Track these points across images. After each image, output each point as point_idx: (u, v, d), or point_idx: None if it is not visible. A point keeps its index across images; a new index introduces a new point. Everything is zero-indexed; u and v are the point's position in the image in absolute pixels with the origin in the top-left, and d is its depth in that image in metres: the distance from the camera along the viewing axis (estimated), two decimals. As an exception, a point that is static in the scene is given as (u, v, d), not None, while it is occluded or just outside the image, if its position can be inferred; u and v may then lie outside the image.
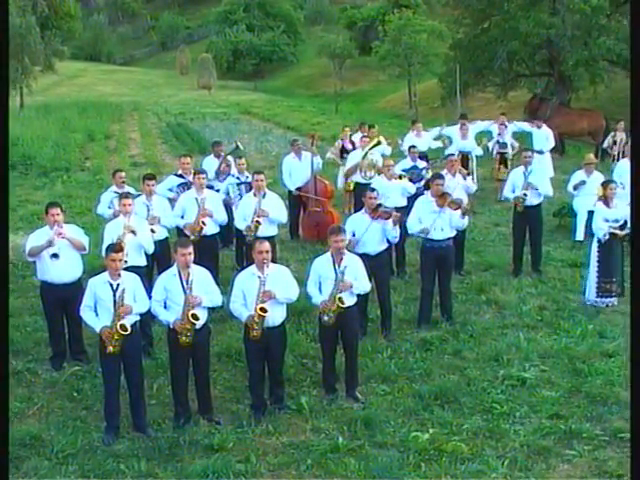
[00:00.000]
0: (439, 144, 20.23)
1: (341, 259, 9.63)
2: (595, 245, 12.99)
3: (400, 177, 14.41)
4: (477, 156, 20.35)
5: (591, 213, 14.89)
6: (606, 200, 12.81)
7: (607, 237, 12.74)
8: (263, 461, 8.52)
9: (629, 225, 12.65)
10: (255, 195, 12.82)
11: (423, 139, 19.92)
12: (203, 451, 8.75)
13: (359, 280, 9.76)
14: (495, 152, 20.60)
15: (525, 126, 22.44)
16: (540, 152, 20.98)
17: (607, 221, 12.74)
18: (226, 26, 72.55)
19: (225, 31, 71.37)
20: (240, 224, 12.91)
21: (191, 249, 9.19)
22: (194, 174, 13.17)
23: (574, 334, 11.66)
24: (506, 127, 21.04)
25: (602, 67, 29.58)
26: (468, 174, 14.73)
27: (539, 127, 21.75)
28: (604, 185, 13.06)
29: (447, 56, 35.41)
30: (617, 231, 12.70)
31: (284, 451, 8.72)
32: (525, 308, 12.71)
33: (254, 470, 8.35)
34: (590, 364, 10.55)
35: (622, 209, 12.69)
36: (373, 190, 11.88)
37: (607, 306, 12.83)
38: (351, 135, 19.51)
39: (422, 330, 11.80)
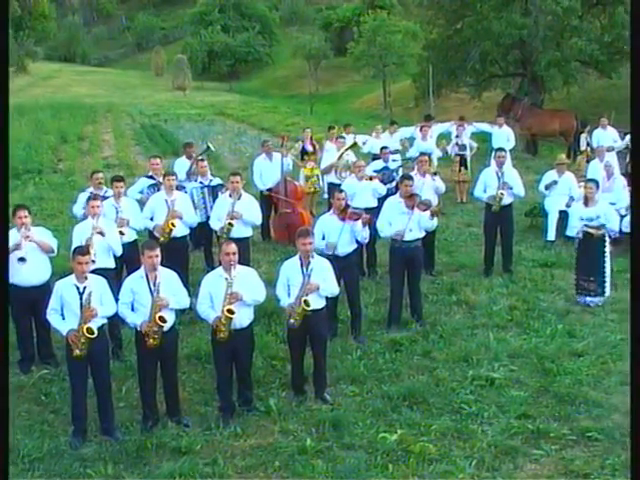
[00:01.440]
0: (398, 146, 20.26)
1: (309, 262, 9.61)
2: (576, 244, 13.13)
3: (370, 178, 14.41)
4: (438, 158, 20.42)
5: (562, 213, 15.02)
6: (585, 199, 12.90)
7: (580, 235, 12.86)
8: (230, 464, 8.49)
9: (608, 225, 12.77)
10: (231, 196, 12.79)
11: (382, 141, 19.93)
12: (170, 454, 8.70)
13: (327, 282, 9.74)
14: (454, 154, 20.65)
15: (485, 127, 22.58)
16: (501, 151, 21.07)
17: (582, 220, 12.82)
18: (201, 27, 72.43)
19: (200, 32, 71.23)
20: (215, 225, 12.90)
21: (158, 251, 9.15)
22: (164, 176, 13.10)
23: (544, 334, 11.70)
24: (464, 128, 21.11)
25: (574, 68, 29.70)
26: (435, 174, 14.72)
27: (500, 126, 21.85)
28: (584, 185, 13.18)
29: (420, 57, 35.51)
30: (592, 230, 12.76)
31: (252, 453, 8.69)
32: (495, 308, 12.74)
33: (221, 473, 8.31)
34: (559, 364, 10.58)
35: (600, 209, 12.78)
36: (341, 191, 11.88)
37: (589, 306, 12.92)
38: (338, 137, 19.33)
39: (392, 331, 11.79)
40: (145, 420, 9.31)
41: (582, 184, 14.91)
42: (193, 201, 14.38)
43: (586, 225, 12.82)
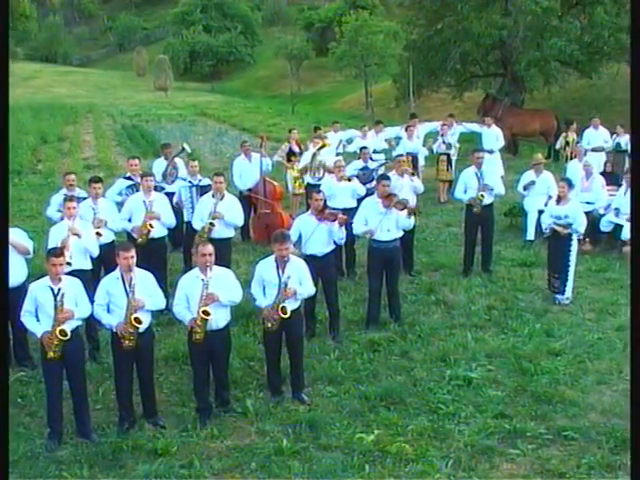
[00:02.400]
0: (385, 145, 20.27)
1: (285, 266, 9.59)
2: (546, 241, 13.27)
3: (349, 179, 14.39)
4: (424, 157, 20.44)
5: (541, 213, 15.07)
6: (558, 198, 12.97)
7: (548, 232, 12.97)
8: (207, 465, 8.46)
9: (574, 225, 12.81)
10: (214, 196, 12.76)
11: (372, 141, 19.94)
12: (147, 456, 8.67)
13: (304, 284, 9.74)
14: (439, 153, 20.66)
15: (474, 127, 22.63)
16: (490, 151, 21.17)
17: (552, 217, 12.90)
18: (183, 27, 72.39)
19: (182, 32, 71.13)
20: (197, 225, 12.88)
21: (133, 252, 9.11)
22: (142, 176, 13.06)
23: (522, 333, 11.72)
24: (449, 128, 21.14)
25: (554, 68, 29.79)
26: (413, 174, 14.73)
27: (489, 126, 21.90)
28: (558, 184, 13.26)
29: (401, 57, 35.56)
30: (558, 228, 12.82)
31: (228, 455, 8.66)
32: (474, 308, 12.75)
33: (197, 474, 8.28)
34: (536, 363, 10.58)
35: (570, 208, 12.83)
36: (319, 192, 11.88)
37: (557, 303, 12.96)
38: (314, 137, 19.25)
39: (370, 331, 11.78)
40: (121, 422, 9.27)
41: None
42: (181, 200, 14.38)
43: (555, 223, 12.87)
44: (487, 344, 11.33)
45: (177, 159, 15.82)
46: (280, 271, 9.56)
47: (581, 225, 12.91)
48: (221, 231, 12.70)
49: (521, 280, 14.12)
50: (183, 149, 16.42)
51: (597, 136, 21.98)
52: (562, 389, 9.89)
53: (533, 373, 10.32)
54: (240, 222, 13.37)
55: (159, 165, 16.00)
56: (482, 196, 14.01)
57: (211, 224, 12.55)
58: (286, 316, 9.40)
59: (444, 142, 20.52)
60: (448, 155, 20.47)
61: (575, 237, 13.02)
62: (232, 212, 12.86)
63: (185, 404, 9.87)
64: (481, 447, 8.62)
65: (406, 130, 20.43)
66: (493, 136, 21.69)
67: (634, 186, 8.28)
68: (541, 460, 8.40)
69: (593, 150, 20.82)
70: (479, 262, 14.60)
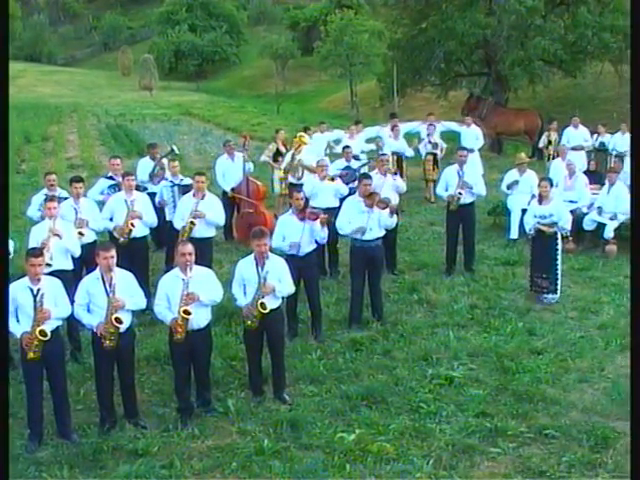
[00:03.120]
0: (372, 146, 20.28)
1: (264, 262, 9.57)
2: (530, 241, 13.21)
3: (332, 179, 14.38)
4: (408, 157, 20.46)
5: (525, 211, 15.10)
6: (540, 197, 12.97)
7: (532, 232, 12.98)
8: (187, 465, 8.42)
9: (560, 224, 12.84)
10: (194, 196, 12.73)
11: (356, 141, 19.96)
12: (127, 456, 8.63)
13: (283, 283, 9.70)
14: (425, 153, 20.68)
15: (453, 126, 22.66)
16: (471, 150, 21.17)
17: (535, 217, 12.92)
18: (168, 26, 72.27)
19: (167, 32, 71.02)
20: (178, 224, 12.82)
21: (113, 252, 9.07)
22: (123, 176, 13.00)
23: (504, 332, 11.72)
24: (435, 127, 21.19)
25: (538, 67, 29.87)
26: (395, 173, 14.74)
27: (468, 126, 21.94)
28: (539, 183, 13.25)
29: (385, 56, 35.58)
30: (543, 227, 12.85)
31: (209, 455, 8.63)
32: (456, 307, 12.74)
33: (178, 474, 8.25)
34: (518, 362, 10.58)
35: (553, 207, 12.86)
36: (300, 191, 11.87)
37: (546, 303, 12.96)
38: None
39: (352, 330, 11.77)
40: (102, 422, 9.23)
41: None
42: (163, 200, 14.34)
43: (539, 222, 12.90)
44: (469, 343, 11.33)
45: (164, 160, 15.76)
46: (259, 268, 9.53)
47: (567, 222, 12.96)
48: (202, 230, 12.66)
49: (504, 279, 14.14)
50: (172, 150, 16.39)
51: (577, 135, 22.08)
52: (543, 388, 9.90)
53: (515, 372, 10.32)
54: (221, 221, 13.33)
55: (144, 165, 15.96)
56: (459, 194, 13.99)
57: (192, 223, 12.52)
58: (265, 311, 9.37)
59: (430, 142, 20.55)
60: (435, 155, 20.50)
61: (560, 236, 13.05)
62: (213, 211, 12.83)
63: (166, 404, 9.84)
64: (462, 446, 8.60)
65: (392, 129, 20.44)
66: (473, 135, 21.74)
67: (634, 186, 8.28)
68: (522, 458, 8.39)
69: (573, 149, 20.88)
70: (462, 261, 14.60)
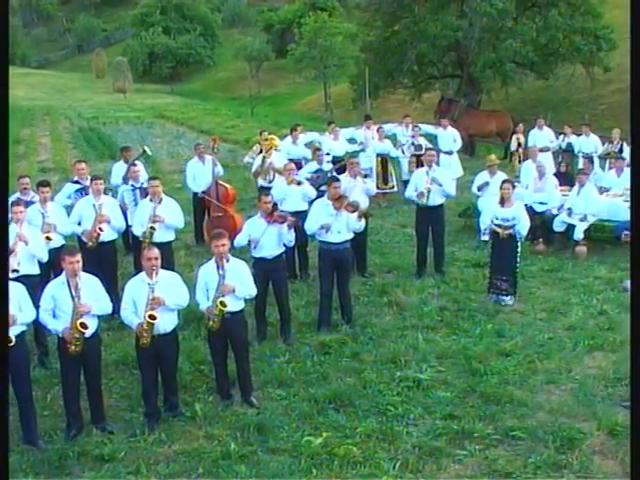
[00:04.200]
0: (355, 147, 20.32)
1: (224, 264, 9.54)
2: (489, 243, 13.26)
3: (299, 183, 14.37)
4: (393, 158, 20.54)
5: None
6: (502, 199, 12.98)
7: (487, 234, 13.02)
8: (153, 471, 8.37)
9: (517, 227, 12.85)
10: (151, 201, 12.68)
11: (340, 142, 20.00)
12: (93, 462, 8.57)
13: (244, 284, 9.67)
14: (410, 154, 20.74)
15: (429, 128, 22.73)
16: (449, 153, 21.33)
17: (496, 219, 12.92)
18: (142, 29, 72.10)
19: (141, 34, 70.83)
20: (137, 230, 12.75)
21: (79, 257, 9.01)
22: (91, 180, 12.93)
23: (473, 334, 11.73)
24: (420, 129, 21.29)
25: (510, 69, 30.07)
26: (366, 176, 14.75)
27: (444, 128, 22.01)
28: (501, 186, 13.25)
29: (358, 58, 35.66)
30: (498, 229, 12.88)
31: (176, 459, 8.58)
32: (426, 309, 12.73)
33: (144, 480, 8.23)
34: (486, 364, 10.57)
35: (514, 210, 12.87)
36: (268, 194, 11.85)
37: (503, 305, 12.96)
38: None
39: (321, 333, 11.76)
40: (69, 428, 9.18)
41: (516, 185, 15.08)
42: (124, 203, 14.28)
43: (498, 225, 12.92)
44: (438, 345, 11.33)
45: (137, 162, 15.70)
46: (220, 270, 9.51)
47: (524, 227, 12.92)
48: (162, 235, 12.61)
49: (474, 281, 14.15)
50: (144, 152, 16.33)
51: (542, 136, 22.24)
52: (511, 389, 9.89)
53: (483, 374, 10.31)
54: (180, 224, 13.23)
55: (118, 168, 15.89)
56: (428, 189, 13.99)
57: (152, 228, 12.46)
58: (225, 309, 9.34)
59: (414, 144, 20.60)
60: (418, 156, 20.55)
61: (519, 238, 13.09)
62: (172, 215, 12.79)
63: (134, 409, 9.78)
64: (429, 448, 8.59)
65: (377, 131, 20.53)
66: (450, 138, 21.82)
67: (634, 186, 8.31)
68: (488, 460, 8.39)
69: (539, 150, 21.00)
70: (433, 263, 14.61)
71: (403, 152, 20.83)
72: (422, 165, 19.86)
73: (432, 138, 22.60)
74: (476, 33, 29.17)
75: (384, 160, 20.07)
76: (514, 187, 13.53)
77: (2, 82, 8.63)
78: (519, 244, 13.04)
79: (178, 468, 8.42)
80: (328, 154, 18.72)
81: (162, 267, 9.37)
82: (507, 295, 13.02)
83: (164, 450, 8.80)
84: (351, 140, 21.52)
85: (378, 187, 19.81)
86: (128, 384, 10.48)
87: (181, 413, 9.54)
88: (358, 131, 22.06)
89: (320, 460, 8.41)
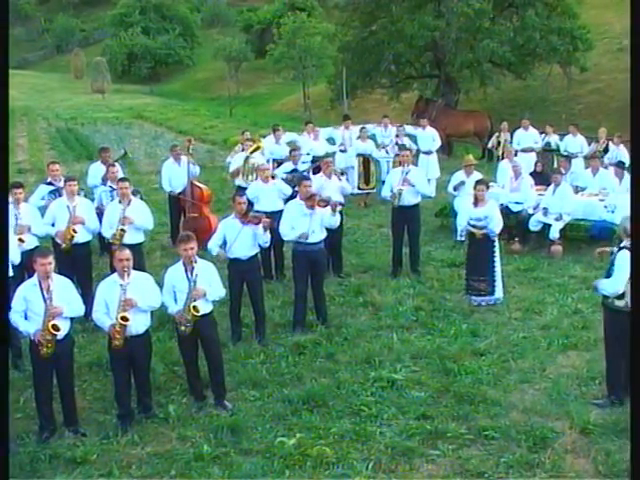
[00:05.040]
0: (335, 148, 20.35)
1: (192, 267, 9.51)
2: (466, 243, 13.28)
3: (273, 177, 14.37)
4: (375, 158, 20.59)
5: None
6: (476, 200, 13.00)
7: (463, 235, 13.06)
8: (126, 473, 8.34)
9: (489, 226, 12.87)
10: (120, 202, 12.64)
11: (320, 142, 20.03)
12: (65, 465, 8.52)
13: (213, 287, 9.64)
14: (394, 154, 20.76)
15: (408, 129, 22.79)
16: (428, 152, 21.39)
17: (471, 219, 12.95)
18: (121, 29, 71.91)
19: (120, 34, 70.64)
20: (107, 232, 12.71)
21: (51, 259, 8.97)
22: (65, 181, 12.87)
23: (448, 334, 11.73)
24: (404, 129, 21.36)
25: (487, 69, 30.20)
26: (342, 174, 14.77)
27: (424, 128, 22.07)
28: (475, 185, 13.26)
29: (336, 58, 35.70)
30: (474, 230, 12.91)
31: (148, 462, 8.54)
32: (401, 309, 12.74)
33: (116, 482, 8.19)
34: (460, 363, 10.59)
35: (487, 209, 12.87)
36: (242, 195, 11.83)
37: (480, 305, 12.97)
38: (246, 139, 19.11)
39: (296, 334, 11.74)
40: (41, 430, 9.12)
41: (492, 184, 15.12)
42: (102, 204, 14.22)
43: (471, 225, 12.94)
44: (413, 345, 11.33)
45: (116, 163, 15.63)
46: (189, 273, 9.48)
47: (497, 226, 12.92)
48: (132, 236, 12.55)
49: (450, 280, 14.18)
50: (125, 153, 16.30)
51: (527, 137, 22.27)
52: (484, 389, 9.91)
53: (457, 373, 10.33)
54: (150, 225, 13.17)
55: (95, 169, 15.84)
56: (400, 190, 14.00)
57: (122, 230, 12.41)
58: (198, 314, 9.32)
59: (397, 144, 20.65)
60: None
61: (497, 237, 13.11)
62: (142, 216, 12.75)
63: (107, 411, 9.73)
64: (402, 448, 8.59)
65: (360, 131, 20.58)
66: (429, 137, 21.91)
67: (634, 186, 8.34)
68: (461, 460, 8.40)
69: (523, 151, 21.13)
70: (408, 263, 14.63)
71: (387, 152, 20.86)
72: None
73: (412, 138, 22.66)
74: (453, 33, 29.30)
75: (366, 160, 20.10)
76: (488, 187, 13.55)
77: (2, 82, 8.60)
78: (496, 244, 13.05)
79: (151, 470, 8.38)
80: (308, 154, 18.74)
81: (133, 268, 9.34)
82: (485, 295, 13.00)
83: (137, 452, 8.75)
84: (329, 140, 21.56)
85: (360, 188, 19.91)
86: (102, 386, 10.42)
87: (154, 415, 9.49)
88: (336, 131, 22.11)
89: (293, 461, 8.39)
